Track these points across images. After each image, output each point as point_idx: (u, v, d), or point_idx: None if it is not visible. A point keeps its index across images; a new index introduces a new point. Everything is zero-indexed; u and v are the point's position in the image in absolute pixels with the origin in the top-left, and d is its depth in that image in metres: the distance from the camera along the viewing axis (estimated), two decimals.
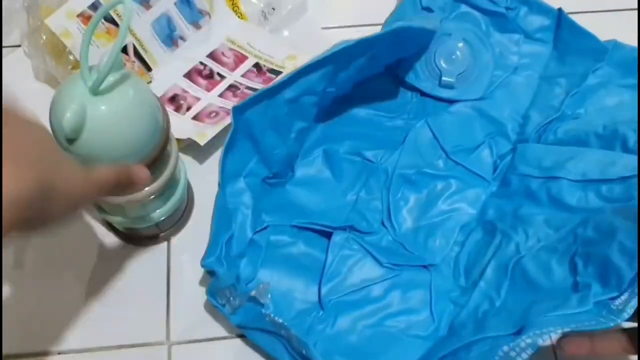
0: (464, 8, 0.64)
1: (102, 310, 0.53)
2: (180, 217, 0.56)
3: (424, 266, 0.55)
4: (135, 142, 0.41)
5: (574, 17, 0.62)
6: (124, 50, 0.60)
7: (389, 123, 0.62)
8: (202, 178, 0.59)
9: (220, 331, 0.53)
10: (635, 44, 0.61)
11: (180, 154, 0.52)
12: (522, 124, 0.61)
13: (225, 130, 0.57)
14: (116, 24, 0.60)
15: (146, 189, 0.46)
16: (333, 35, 0.67)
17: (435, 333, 0.52)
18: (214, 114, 0.59)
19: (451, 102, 0.62)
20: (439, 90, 0.62)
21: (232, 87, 0.62)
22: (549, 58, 0.63)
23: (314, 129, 0.58)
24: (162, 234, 0.56)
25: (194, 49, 0.64)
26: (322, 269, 0.54)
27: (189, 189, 0.57)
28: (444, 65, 0.62)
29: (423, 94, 0.62)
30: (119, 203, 0.47)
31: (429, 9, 0.63)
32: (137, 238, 0.56)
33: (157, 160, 0.44)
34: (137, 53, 0.61)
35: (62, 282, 0.54)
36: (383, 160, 0.59)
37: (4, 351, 0.50)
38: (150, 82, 0.62)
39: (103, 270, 0.55)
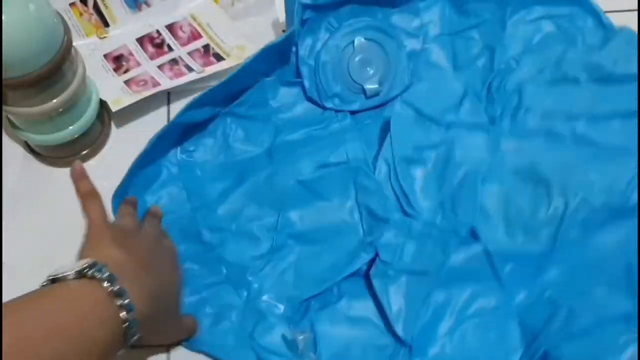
0: (350, 5, 0.61)
1: None
2: (96, 140, 0.59)
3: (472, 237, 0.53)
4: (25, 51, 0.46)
5: None
6: (84, 1, 0.62)
7: (332, 126, 0.60)
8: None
9: None
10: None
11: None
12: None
13: (143, 102, 0.58)
14: (102, 16, 0.63)
15: (53, 100, 0.51)
16: None
17: (510, 300, 0.51)
18: (142, 82, 0.61)
19: (379, 106, 0.60)
20: (369, 102, 0.60)
21: (172, 61, 0.63)
22: (450, 12, 0.62)
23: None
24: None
25: (156, 17, 0.65)
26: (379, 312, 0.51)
27: (105, 113, 0.59)
28: (362, 77, 0.60)
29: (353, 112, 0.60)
30: (29, 114, 0.51)
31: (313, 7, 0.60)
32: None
33: (53, 73, 0.49)
34: (96, 7, 0.63)
35: None
36: (356, 157, 0.57)
37: None
38: (105, 37, 0.64)
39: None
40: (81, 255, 0.43)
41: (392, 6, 0.62)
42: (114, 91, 0.59)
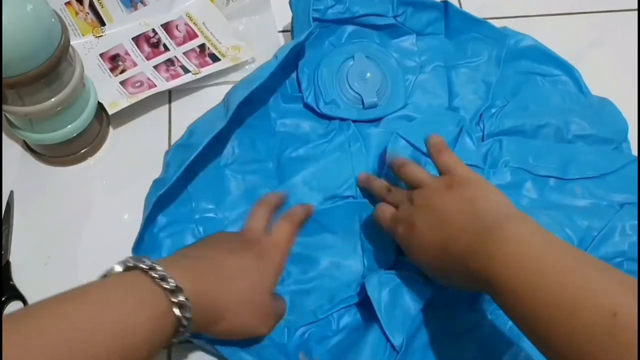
0: (351, 28, 0.63)
1: None
2: (95, 139, 0.59)
3: None
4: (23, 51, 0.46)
5: (573, 17, 0.67)
6: (80, 0, 0.63)
7: (337, 139, 0.60)
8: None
9: None
10: (636, 44, 0.65)
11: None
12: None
13: (142, 100, 0.59)
14: (99, 15, 0.63)
15: (51, 99, 0.51)
16: (287, 38, 0.66)
17: None
18: (138, 83, 0.61)
19: (375, 120, 0.61)
20: (366, 113, 0.61)
21: (168, 62, 0.63)
22: (447, 47, 0.64)
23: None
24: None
25: (152, 16, 0.65)
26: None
27: (103, 112, 0.60)
28: (361, 88, 0.61)
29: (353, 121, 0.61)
30: (28, 112, 0.52)
31: (320, 20, 0.62)
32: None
33: (50, 71, 0.49)
34: (92, 6, 0.63)
35: None
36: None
37: None
38: (102, 36, 0.64)
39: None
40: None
41: (390, 36, 0.64)
42: (110, 92, 0.60)
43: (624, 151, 0.62)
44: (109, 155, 0.60)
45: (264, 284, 0.47)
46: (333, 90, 0.61)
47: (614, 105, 0.63)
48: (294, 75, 0.62)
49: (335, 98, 0.60)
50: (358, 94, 0.60)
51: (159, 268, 0.38)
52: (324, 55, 0.62)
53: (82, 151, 0.59)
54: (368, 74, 0.61)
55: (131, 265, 0.39)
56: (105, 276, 0.39)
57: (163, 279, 0.38)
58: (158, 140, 0.60)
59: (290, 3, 0.61)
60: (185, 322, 0.38)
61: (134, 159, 0.60)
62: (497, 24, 0.68)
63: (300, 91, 0.61)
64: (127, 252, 0.50)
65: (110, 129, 0.61)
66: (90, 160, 0.60)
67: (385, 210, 0.51)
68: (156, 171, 0.58)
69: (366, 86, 0.61)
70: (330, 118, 0.60)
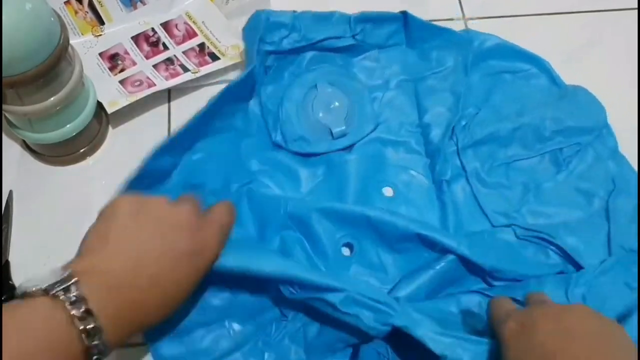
0: (311, 54, 0.63)
1: None
2: (94, 138, 0.59)
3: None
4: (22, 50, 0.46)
5: (573, 17, 0.67)
6: None
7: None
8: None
9: None
10: (636, 44, 0.64)
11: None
12: (425, 133, 0.61)
13: (142, 100, 0.58)
14: (98, 14, 0.63)
15: (51, 99, 0.51)
16: None
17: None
18: (138, 82, 0.61)
19: (348, 148, 0.60)
20: (336, 144, 0.59)
21: (167, 61, 0.63)
22: (410, 57, 0.64)
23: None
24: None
25: (152, 15, 0.65)
26: None
27: (102, 111, 0.59)
28: (327, 118, 0.59)
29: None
30: (27, 112, 0.51)
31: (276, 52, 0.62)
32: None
33: (50, 71, 0.49)
34: (92, 5, 0.63)
35: None
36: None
37: None
38: (101, 35, 0.64)
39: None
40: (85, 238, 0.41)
41: (352, 55, 0.64)
42: (109, 92, 0.60)
43: (605, 137, 0.61)
44: (109, 155, 0.60)
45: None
46: (300, 125, 0.59)
47: (588, 92, 0.63)
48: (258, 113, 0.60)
49: (303, 134, 0.59)
50: (326, 125, 0.59)
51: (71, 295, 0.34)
52: (285, 89, 0.61)
53: (82, 150, 0.59)
54: (334, 103, 0.60)
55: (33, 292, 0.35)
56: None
57: (72, 303, 0.34)
58: (157, 139, 0.60)
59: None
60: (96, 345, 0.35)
61: (134, 159, 0.59)
62: (497, 22, 0.68)
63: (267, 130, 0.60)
64: None
65: (110, 128, 0.61)
66: (90, 160, 0.60)
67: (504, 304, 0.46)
68: None
69: (333, 116, 0.59)
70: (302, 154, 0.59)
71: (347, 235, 0.54)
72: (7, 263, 0.53)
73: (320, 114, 0.60)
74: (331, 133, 0.59)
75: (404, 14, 0.64)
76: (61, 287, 0.35)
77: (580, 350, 0.37)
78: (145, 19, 0.65)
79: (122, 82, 0.61)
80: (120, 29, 0.64)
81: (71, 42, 0.52)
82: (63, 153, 0.58)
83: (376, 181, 0.58)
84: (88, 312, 0.34)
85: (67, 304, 0.34)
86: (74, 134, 0.56)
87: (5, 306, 0.34)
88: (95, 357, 0.35)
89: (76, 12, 0.63)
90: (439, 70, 0.63)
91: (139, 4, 0.64)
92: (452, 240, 0.51)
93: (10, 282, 0.52)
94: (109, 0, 0.63)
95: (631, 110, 0.64)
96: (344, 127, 0.59)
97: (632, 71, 0.68)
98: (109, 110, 0.57)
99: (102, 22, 0.64)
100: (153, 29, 0.65)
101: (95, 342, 0.35)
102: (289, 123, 0.59)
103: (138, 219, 0.40)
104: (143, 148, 0.59)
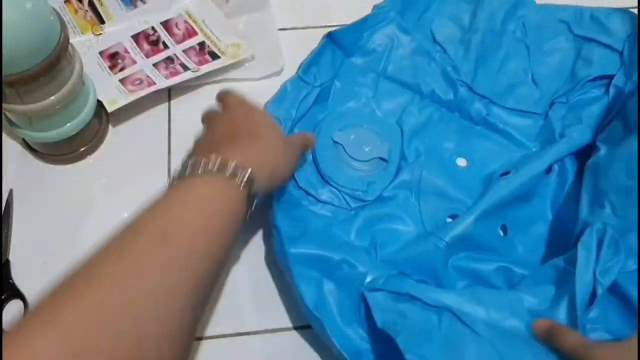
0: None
1: None
2: (94, 137, 0.59)
3: None
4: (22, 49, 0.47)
5: None
6: None
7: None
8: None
9: None
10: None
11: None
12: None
13: (142, 99, 0.59)
14: (98, 13, 0.63)
15: (51, 97, 0.51)
16: (287, 36, 0.66)
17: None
18: (138, 81, 0.61)
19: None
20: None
21: (168, 60, 0.63)
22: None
23: None
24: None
25: (152, 13, 0.65)
26: None
27: (102, 110, 0.59)
28: (361, 166, 0.59)
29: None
30: (27, 111, 0.52)
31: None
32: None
33: (50, 70, 0.49)
34: (91, 4, 0.63)
35: None
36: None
37: None
38: (101, 34, 0.64)
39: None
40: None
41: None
42: (109, 90, 0.60)
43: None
44: (109, 154, 0.60)
45: (278, 133, 0.50)
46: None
47: None
48: None
49: (337, 193, 0.58)
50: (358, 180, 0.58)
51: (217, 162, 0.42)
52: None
53: (82, 149, 0.59)
54: (363, 147, 0.60)
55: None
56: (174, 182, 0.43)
57: (223, 168, 0.42)
58: (158, 138, 0.60)
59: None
60: (253, 192, 0.43)
61: (134, 157, 0.60)
62: None
63: None
64: None
65: (110, 127, 0.61)
66: (90, 159, 0.59)
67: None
68: (156, 169, 0.58)
69: (365, 157, 0.59)
70: None
71: None
72: (8, 262, 0.53)
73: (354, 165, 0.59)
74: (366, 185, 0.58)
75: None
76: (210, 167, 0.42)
77: None
78: (145, 18, 0.65)
79: (122, 80, 0.61)
80: (120, 27, 0.64)
81: (71, 40, 0.52)
82: (63, 152, 0.58)
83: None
84: (250, 180, 0.43)
85: (236, 180, 0.42)
86: (74, 133, 0.56)
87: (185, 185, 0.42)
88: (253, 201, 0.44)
89: (76, 11, 0.63)
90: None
91: (139, 2, 0.64)
92: None
93: (10, 280, 0.52)
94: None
95: None
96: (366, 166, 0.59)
97: None
98: (109, 108, 0.57)
99: (102, 21, 0.64)
100: (153, 28, 0.65)
101: (253, 187, 0.43)
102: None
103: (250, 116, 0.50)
104: (143, 146, 0.59)
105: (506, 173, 0.56)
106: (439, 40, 0.65)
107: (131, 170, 0.59)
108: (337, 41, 0.62)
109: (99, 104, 0.58)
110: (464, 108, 0.62)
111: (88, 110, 0.56)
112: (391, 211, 0.56)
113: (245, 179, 0.42)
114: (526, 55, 0.64)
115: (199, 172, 0.42)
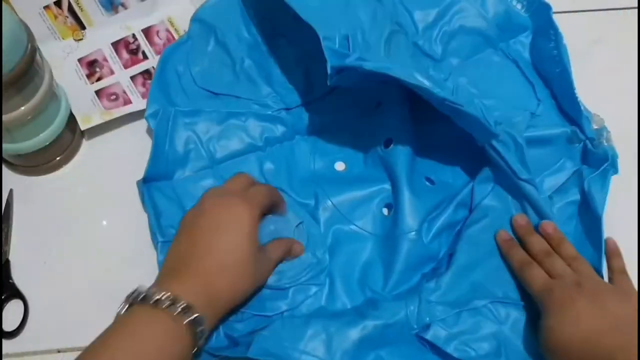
0: None
1: None
2: (68, 147, 0.60)
3: None
4: None
5: (571, 16, 0.69)
6: (58, 4, 0.62)
7: None
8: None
9: None
10: (636, 44, 0.66)
11: None
12: None
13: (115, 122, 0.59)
14: (78, 19, 0.63)
15: (21, 108, 0.51)
16: None
17: None
18: (114, 96, 0.61)
19: None
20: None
21: (145, 73, 0.62)
22: None
23: None
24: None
25: (133, 19, 0.64)
26: None
27: (75, 120, 0.59)
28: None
29: None
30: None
31: None
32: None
33: (16, 82, 0.49)
34: (71, 10, 0.62)
35: None
36: None
37: None
38: (82, 39, 0.64)
39: None
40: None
41: None
42: (84, 102, 0.60)
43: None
44: (83, 163, 0.61)
45: (245, 247, 0.48)
46: None
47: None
48: None
49: None
50: None
51: (164, 296, 0.43)
52: None
53: (57, 159, 0.59)
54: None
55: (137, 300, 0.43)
56: (117, 318, 0.44)
57: (172, 304, 0.43)
58: (134, 147, 0.61)
59: None
60: (200, 330, 0.44)
61: (109, 167, 0.60)
62: None
63: None
64: (114, 255, 0.56)
65: (85, 136, 0.61)
66: (65, 169, 0.60)
67: (539, 278, 0.51)
68: (134, 176, 0.58)
69: None
70: None
71: None
72: (8, 262, 0.55)
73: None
74: None
75: None
76: (155, 300, 0.43)
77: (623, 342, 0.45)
78: (127, 23, 0.64)
79: (98, 92, 0.61)
80: (101, 33, 0.64)
81: (51, 46, 0.51)
82: (37, 162, 0.59)
83: None
84: (189, 308, 0.43)
85: (170, 307, 0.43)
86: (47, 144, 0.56)
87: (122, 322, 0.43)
88: (200, 338, 0.44)
89: (56, 17, 0.62)
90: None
91: (120, 7, 0.64)
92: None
93: (10, 280, 0.54)
94: (90, 4, 0.63)
95: (631, 110, 0.65)
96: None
97: (632, 71, 0.68)
98: (83, 127, 0.58)
99: (83, 27, 0.63)
100: (134, 35, 0.64)
101: (200, 328, 0.43)
102: None
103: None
104: (119, 155, 0.60)
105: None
106: None
107: (107, 180, 0.60)
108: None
109: (73, 115, 0.59)
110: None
111: (60, 120, 0.57)
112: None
113: (192, 318, 0.43)
114: None
115: (150, 302, 0.43)
